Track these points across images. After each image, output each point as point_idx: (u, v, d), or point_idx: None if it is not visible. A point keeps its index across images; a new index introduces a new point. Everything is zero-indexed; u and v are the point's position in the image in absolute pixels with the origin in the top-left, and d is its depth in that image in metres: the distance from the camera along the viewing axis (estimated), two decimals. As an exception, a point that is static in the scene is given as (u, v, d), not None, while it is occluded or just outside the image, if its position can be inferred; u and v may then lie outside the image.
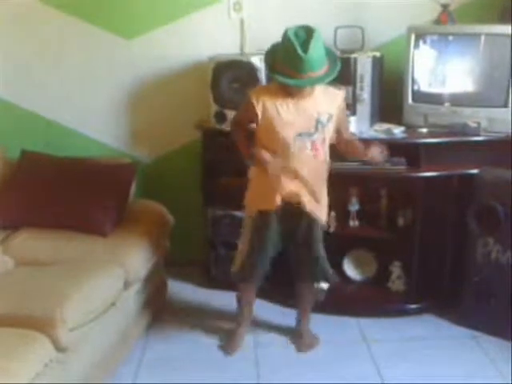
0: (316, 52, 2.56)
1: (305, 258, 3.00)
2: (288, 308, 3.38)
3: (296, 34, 2.56)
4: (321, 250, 2.98)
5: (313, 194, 2.86)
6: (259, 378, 2.92)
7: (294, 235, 2.94)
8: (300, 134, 2.74)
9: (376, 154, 2.88)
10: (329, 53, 2.68)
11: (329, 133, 2.81)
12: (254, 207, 2.92)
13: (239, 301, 3.21)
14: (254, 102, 2.73)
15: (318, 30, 2.57)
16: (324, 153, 2.83)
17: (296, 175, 2.80)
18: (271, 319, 3.36)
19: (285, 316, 3.34)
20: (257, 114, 2.74)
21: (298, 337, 3.20)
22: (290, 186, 2.82)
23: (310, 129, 2.74)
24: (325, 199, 2.95)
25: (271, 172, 2.77)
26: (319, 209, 2.91)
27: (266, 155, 2.77)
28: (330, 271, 3.04)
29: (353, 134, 3.05)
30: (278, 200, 2.83)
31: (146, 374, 2.96)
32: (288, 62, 2.59)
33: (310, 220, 2.89)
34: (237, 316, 3.22)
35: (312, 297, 3.17)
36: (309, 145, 2.76)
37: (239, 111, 2.97)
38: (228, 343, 3.16)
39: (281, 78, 2.62)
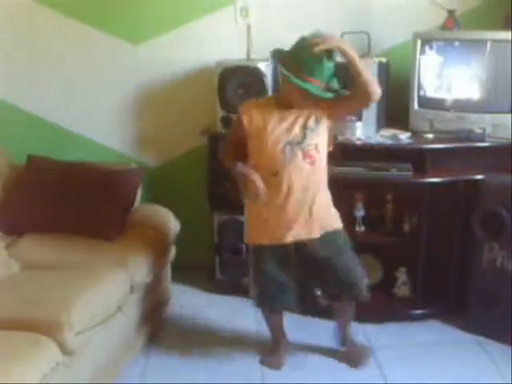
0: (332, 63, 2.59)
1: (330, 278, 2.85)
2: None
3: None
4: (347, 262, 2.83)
5: (311, 209, 2.75)
6: (263, 379, 2.93)
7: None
8: (289, 143, 2.67)
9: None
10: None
11: (321, 137, 2.72)
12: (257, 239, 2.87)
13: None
14: (243, 115, 2.73)
15: None
16: (320, 159, 2.74)
17: (289, 193, 2.70)
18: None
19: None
20: (244, 128, 2.71)
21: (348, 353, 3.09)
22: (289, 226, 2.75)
23: (297, 136, 2.68)
24: (330, 203, 2.86)
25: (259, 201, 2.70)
26: (330, 217, 2.83)
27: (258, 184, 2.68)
28: (362, 284, 2.85)
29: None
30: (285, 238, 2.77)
31: (150, 378, 2.96)
32: (298, 63, 2.55)
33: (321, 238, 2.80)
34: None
35: (350, 311, 3.06)
36: (300, 154, 2.68)
37: (227, 137, 2.97)
38: (270, 361, 3.08)
39: (290, 72, 2.55)
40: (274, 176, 2.70)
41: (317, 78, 2.57)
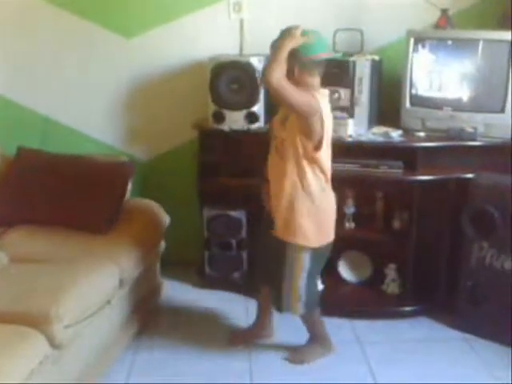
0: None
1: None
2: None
3: None
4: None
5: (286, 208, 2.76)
6: (252, 378, 2.92)
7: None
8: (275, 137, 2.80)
9: None
10: None
11: (289, 133, 2.69)
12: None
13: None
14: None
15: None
16: (289, 156, 2.70)
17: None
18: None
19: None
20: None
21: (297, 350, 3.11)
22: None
23: (279, 129, 2.77)
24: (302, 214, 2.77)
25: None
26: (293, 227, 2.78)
27: None
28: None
29: None
30: None
31: (138, 373, 2.95)
32: (316, 47, 2.65)
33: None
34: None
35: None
36: (273, 146, 2.78)
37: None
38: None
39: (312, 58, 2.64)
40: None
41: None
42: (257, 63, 3.32)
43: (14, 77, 3.78)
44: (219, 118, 3.41)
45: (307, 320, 3.02)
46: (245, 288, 3.59)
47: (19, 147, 3.42)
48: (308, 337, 3.08)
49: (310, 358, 3.03)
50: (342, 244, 3.56)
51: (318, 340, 3.07)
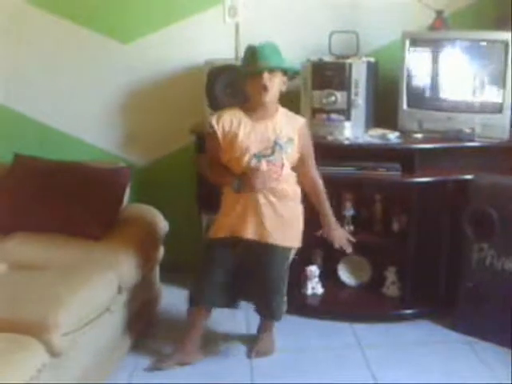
0: (271, 48, 2.71)
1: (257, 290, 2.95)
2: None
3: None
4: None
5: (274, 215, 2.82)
6: (253, 379, 2.92)
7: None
8: (255, 155, 2.75)
9: (339, 240, 2.98)
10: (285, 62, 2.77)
11: (290, 159, 2.80)
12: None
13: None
14: (215, 124, 2.78)
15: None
16: (285, 178, 2.80)
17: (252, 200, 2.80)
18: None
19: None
20: (218, 138, 2.77)
21: (254, 342, 3.15)
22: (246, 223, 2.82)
23: (266, 150, 2.75)
24: (293, 222, 2.91)
25: (259, 187, 2.75)
26: (282, 234, 2.86)
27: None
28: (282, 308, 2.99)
29: (318, 178, 2.95)
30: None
31: (139, 379, 2.93)
32: (247, 59, 2.74)
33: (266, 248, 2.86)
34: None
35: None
36: (264, 164, 2.74)
37: (206, 148, 2.92)
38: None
39: (242, 70, 2.79)
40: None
41: (271, 62, 2.70)
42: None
43: (10, 83, 3.78)
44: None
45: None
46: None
47: (16, 154, 3.41)
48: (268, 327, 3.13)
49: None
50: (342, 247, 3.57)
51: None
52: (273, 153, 2.75)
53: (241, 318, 3.39)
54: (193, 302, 3.00)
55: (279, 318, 3.03)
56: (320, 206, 2.95)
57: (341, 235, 3.01)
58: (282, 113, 2.83)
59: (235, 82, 3.33)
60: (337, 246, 3.00)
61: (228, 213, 2.88)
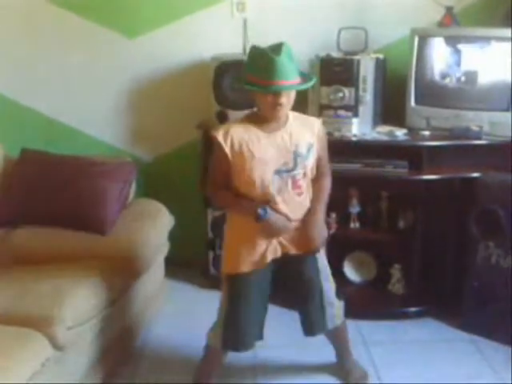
0: (288, 57, 2.28)
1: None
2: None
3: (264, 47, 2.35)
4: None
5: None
6: (256, 378, 2.92)
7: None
8: (278, 172, 2.41)
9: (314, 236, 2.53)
10: (299, 68, 2.39)
11: (310, 166, 2.50)
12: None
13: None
14: (221, 141, 2.38)
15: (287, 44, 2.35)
16: (306, 189, 2.51)
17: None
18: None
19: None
20: (226, 156, 2.39)
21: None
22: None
23: (288, 164, 2.42)
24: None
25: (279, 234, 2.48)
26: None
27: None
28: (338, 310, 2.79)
29: (325, 178, 2.62)
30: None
31: (144, 374, 2.95)
32: (259, 70, 2.31)
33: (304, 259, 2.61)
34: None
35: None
36: (290, 183, 2.44)
37: (211, 168, 2.52)
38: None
39: (252, 88, 2.32)
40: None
41: (289, 77, 2.30)
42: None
43: (18, 78, 3.78)
44: (223, 117, 3.39)
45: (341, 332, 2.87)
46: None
47: (22, 148, 3.41)
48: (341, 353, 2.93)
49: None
50: (347, 244, 3.57)
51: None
52: (295, 166, 2.43)
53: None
54: (228, 347, 2.68)
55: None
56: (312, 202, 2.56)
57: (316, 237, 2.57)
58: (294, 117, 2.48)
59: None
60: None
61: (245, 243, 2.54)
